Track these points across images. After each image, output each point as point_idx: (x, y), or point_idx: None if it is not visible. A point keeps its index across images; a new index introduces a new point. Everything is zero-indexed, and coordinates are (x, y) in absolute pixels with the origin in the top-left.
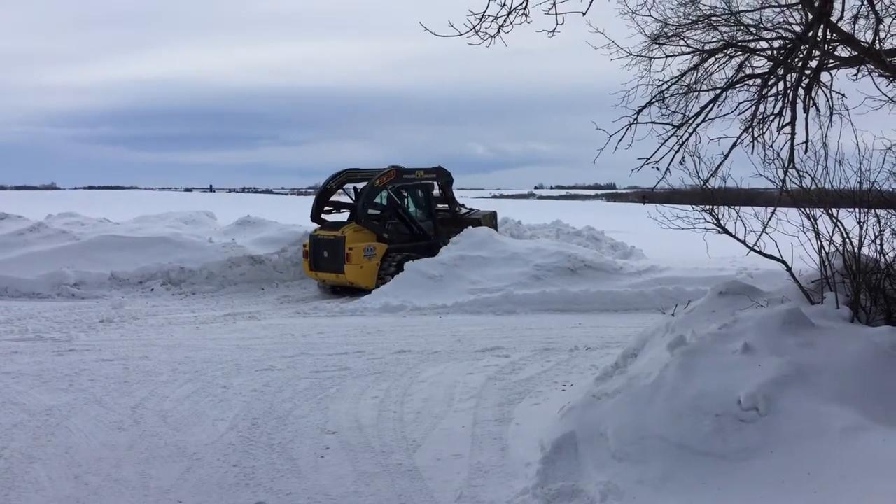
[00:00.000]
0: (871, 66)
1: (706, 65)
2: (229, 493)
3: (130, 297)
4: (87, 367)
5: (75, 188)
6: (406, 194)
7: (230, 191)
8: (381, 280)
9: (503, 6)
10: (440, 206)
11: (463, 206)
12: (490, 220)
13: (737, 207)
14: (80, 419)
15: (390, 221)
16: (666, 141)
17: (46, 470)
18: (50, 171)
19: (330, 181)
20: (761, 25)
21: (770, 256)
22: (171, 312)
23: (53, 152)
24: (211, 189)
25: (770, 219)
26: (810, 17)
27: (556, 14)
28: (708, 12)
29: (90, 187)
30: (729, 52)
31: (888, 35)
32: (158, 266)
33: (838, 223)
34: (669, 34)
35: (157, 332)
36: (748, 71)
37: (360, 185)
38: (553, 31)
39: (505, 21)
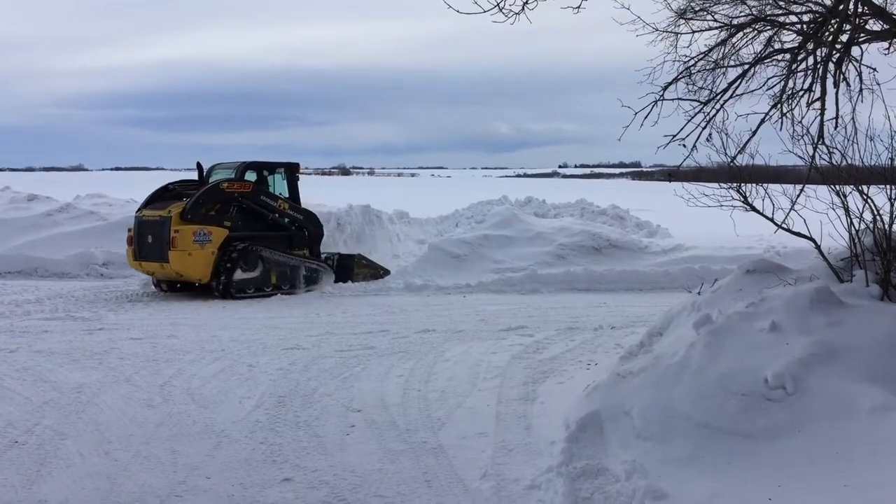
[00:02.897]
0: None
1: (734, 40)
2: (256, 469)
3: None
4: (116, 345)
5: (102, 169)
6: (267, 181)
7: None
8: (221, 272)
9: None
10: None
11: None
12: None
13: (765, 185)
14: (109, 396)
15: (235, 204)
16: (693, 118)
17: (77, 446)
18: (78, 153)
19: (175, 184)
20: None
21: (799, 234)
22: (197, 292)
23: (81, 134)
24: None
25: (799, 196)
26: None
27: None
28: None
29: (117, 168)
30: (757, 26)
31: None
32: None
33: (869, 200)
34: (696, 8)
35: (184, 311)
36: (777, 46)
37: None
38: (578, 7)
39: None
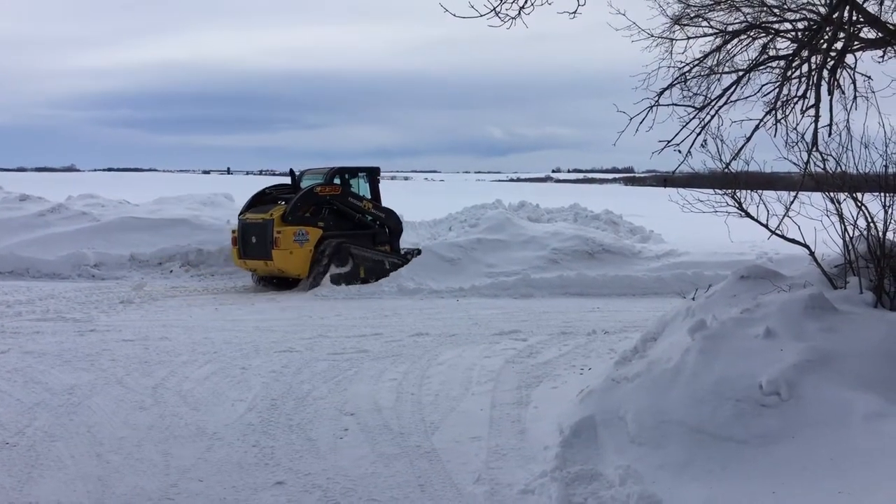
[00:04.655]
0: None
1: (729, 46)
2: (249, 472)
3: (150, 279)
4: (108, 347)
5: (95, 170)
6: (351, 184)
7: (248, 173)
8: (316, 268)
9: None
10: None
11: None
12: None
13: (759, 191)
14: (101, 398)
15: (327, 206)
16: (687, 123)
17: (69, 448)
18: (70, 154)
19: (270, 188)
20: (785, 6)
21: (793, 241)
22: (189, 294)
23: (73, 135)
24: (228, 172)
25: (793, 202)
26: None
27: None
28: None
29: (109, 169)
30: (752, 33)
31: None
32: (177, 247)
33: (863, 207)
34: (691, 15)
35: (176, 313)
36: (772, 52)
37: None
38: (574, 12)
39: (526, 2)
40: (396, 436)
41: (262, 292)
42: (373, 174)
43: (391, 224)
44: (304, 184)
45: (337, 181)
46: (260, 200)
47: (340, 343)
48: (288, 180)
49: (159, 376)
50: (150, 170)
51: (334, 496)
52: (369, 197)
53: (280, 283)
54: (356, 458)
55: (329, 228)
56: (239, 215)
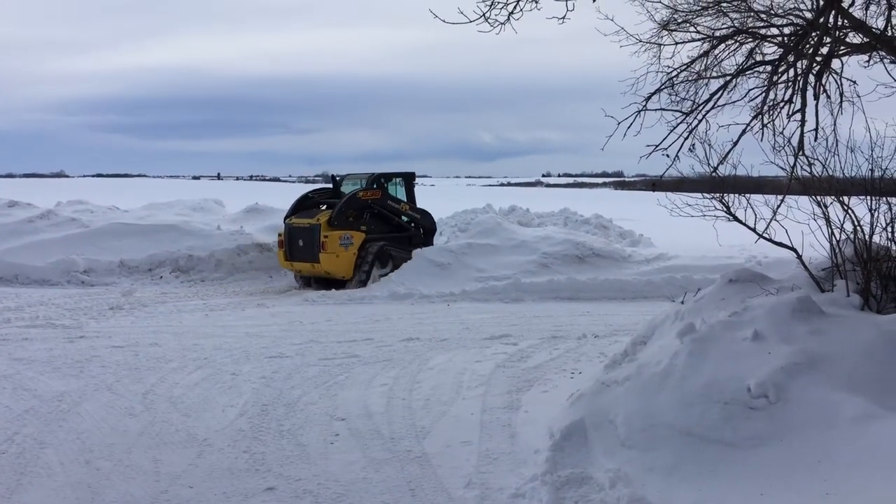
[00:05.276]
0: (883, 53)
1: (716, 51)
2: (240, 478)
3: (139, 285)
4: (98, 353)
5: (84, 176)
6: (388, 189)
7: (238, 179)
8: (358, 269)
9: None
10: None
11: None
12: None
13: (747, 195)
14: (91, 405)
15: (368, 211)
16: (675, 128)
17: (58, 455)
18: (59, 159)
19: (313, 192)
20: (772, 12)
21: (780, 244)
22: (180, 299)
23: (62, 140)
24: (219, 177)
25: (779, 206)
26: (821, 3)
27: (567, 0)
28: None
29: (98, 175)
30: (739, 38)
31: None
32: (167, 253)
33: (849, 211)
34: (679, 20)
35: (166, 319)
36: (758, 57)
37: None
38: (563, 17)
39: (515, 7)
40: (387, 441)
41: (253, 298)
42: (408, 179)
43: (426, 224)
44: (345, 188)
45: (375, 186)
46: (303, 205)
47: (331, 348)
48: (301, 186)
49: (149, 382)
50: (139, 175)
51: (325, 501)
52: (405, 200)
53: (321, 282)
54: (347, 464)
55: (370, 231)
56: (285, 219)
